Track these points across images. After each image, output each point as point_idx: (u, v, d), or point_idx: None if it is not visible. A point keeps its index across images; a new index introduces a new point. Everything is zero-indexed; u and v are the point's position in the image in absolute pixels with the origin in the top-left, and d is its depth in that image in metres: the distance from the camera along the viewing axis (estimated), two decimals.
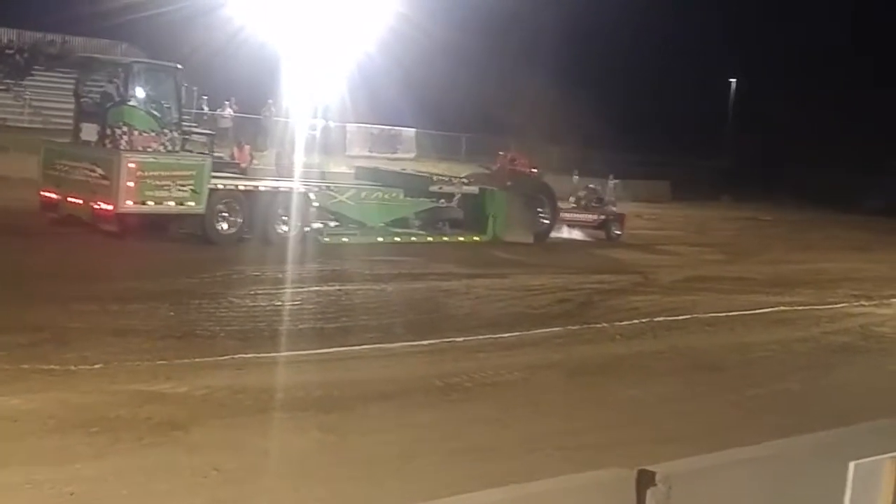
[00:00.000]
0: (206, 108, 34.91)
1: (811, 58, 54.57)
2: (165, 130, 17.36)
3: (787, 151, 51.44)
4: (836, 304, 17.42)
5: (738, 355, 12.59)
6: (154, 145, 17.14)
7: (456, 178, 22.83)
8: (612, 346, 12.52)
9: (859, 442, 4.40)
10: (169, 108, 17.71)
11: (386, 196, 20.64)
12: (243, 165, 21.43)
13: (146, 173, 16.58)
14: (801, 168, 48.52)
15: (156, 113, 17.44)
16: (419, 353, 11.11)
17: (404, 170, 24.64)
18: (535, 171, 24.98)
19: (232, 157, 22.35)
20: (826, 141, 49.92)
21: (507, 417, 8.90)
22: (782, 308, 16.44)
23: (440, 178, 22.22)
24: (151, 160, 16.82)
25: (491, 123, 41.82)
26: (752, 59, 56.62)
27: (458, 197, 21.77)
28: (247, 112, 36.54)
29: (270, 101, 35.39)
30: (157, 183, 16.69)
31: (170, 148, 17.37)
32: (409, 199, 20.99)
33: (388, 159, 36.06)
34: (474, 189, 22.04)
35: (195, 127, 21.73)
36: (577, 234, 25.02)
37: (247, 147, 23.49)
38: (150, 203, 16.69)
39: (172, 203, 16.94)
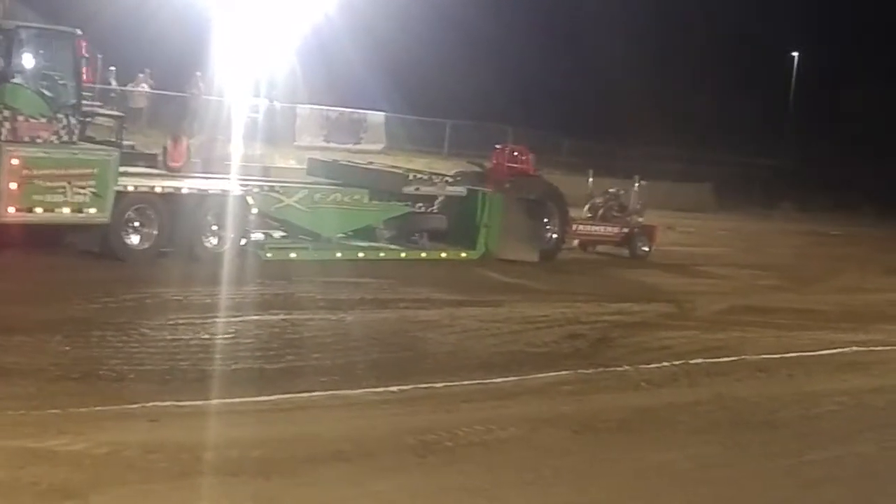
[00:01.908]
0: (114, 83, 34.92)
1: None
2: (60, 115, 17.29)
3: (865, 148, 51.71)
4: None
5: (797, 409, 12.63)
6: (45, 134, 17.06)
7: (438, 176, 22.85)
8: (636, 395, 12.56)
9: None
10: (65, 85, 17.65)
11: (347, 199, 20.63)
12: (175, 165, 21.10)
13: (34, 172, 16.53)
14: (882, 170, 48.74)
15: (47, 92, 17.37)
16: (386, 402, 11.12)
17: (371, 165, 24.66)
18: (537, 171, 25.04)
19: (165, 153, 22.18)
20: None
21: (499, 487, 8.92)
22: (855, 349, 16.53)
23: (418, 176, 22.21)
24: (41, 154, 16.77)
25: (483, 108, 42.01)
26: (821, 26, 56.95)
27: (440, 200, 21.81)
28: (166, 88, 36.53)
29: (198, 73, 35.45)
30: (49, 184, 16.65)
31: (65, 138, 17.31)
32: (376, 202, 21.01)
33: (350, 151, 36.15)
34: (461, 191, 22.09)
35: (100, 107, 21.67)
36: (593, 251, 25.13)
37: (185, 141, 22.84)
38: (39, 210, 16.64)
39: (68, 210, 16.90)
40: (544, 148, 34.70)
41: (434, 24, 42.43)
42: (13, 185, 16.33)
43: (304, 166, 24.64)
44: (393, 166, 24.95)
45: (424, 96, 42.02)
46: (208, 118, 29.30)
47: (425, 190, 21.58)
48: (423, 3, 40.92)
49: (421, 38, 41.23)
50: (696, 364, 14.29)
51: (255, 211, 18.91)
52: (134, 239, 17.59)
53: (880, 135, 51.37)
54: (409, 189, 21.27)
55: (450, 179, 22.58)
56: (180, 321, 13.55)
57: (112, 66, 33.60)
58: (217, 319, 13.89)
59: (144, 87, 35.99)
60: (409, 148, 40.56)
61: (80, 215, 17.09)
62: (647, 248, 25.36)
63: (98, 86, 20.36)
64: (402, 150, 39.74)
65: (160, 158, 20.90)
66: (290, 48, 33.64)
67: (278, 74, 34.28)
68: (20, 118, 16.82)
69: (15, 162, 16.39)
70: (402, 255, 20.82)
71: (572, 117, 47.26)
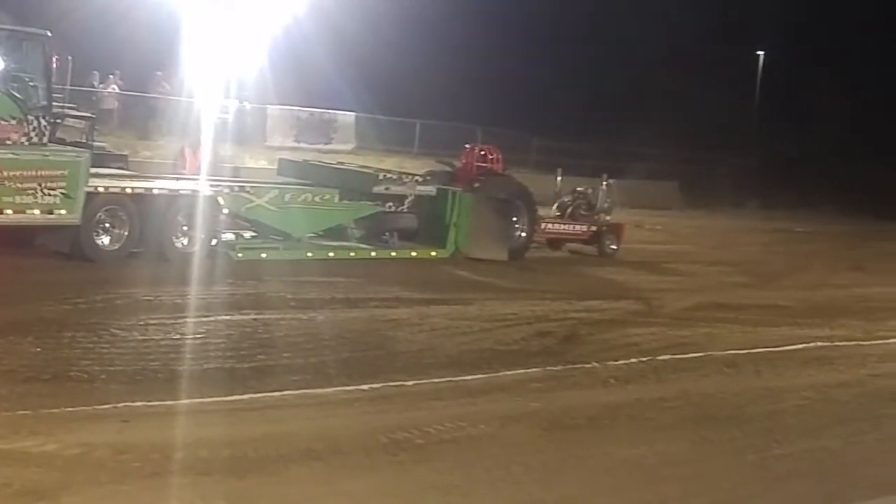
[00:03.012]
0: (96, 85, 34.91)
1: (857, 25, 55.36)
2: (30, 116, 17.21)
3: (829, 146, 52.01)
4: (887, 338, 17.68)
5: (764, 404, 12.71)
6: (15, 136, 16.97)
7: (408, 175, 22.82)
8: (604, 392, 12.59)
9: None
10: (35, 87, 17.57)
11: (317, 199, 20.60)
12: (192, 174, 20.93)
13: (4, 173, 16.42)
14: (846, 167, 49.05)
15: (17, 94, 17.29)
16: (357, 400, 11.11)
17: (341, 164, 24.64)
18: (506, 170, 25.06)
19: (182, 161, 22.04)
20: (880, 134, 50.60)
21: (470, 484, 8.94)
22: (820, 344, 16.64)
23: (388, 175, 22.18)
24: (11, 156, 16.65)
25: (452, 108, 42.00)
26: (785, 24, 57.22)
27: (409, 200, 21.79)
28: (136, 89, 36.42)
29: (160, 73, 35.32)
30: (19, 186, 16.54)
31: (36, 139, 17.22)
32: (346, 202, 20.99)
33: (320, 151, 36.11)
34: (431, 190, 22.08)
35: (72, 109, 21.57)
36: (563, 250, 25.18)
37: (201, 151, 23.04)
38: (9, 212, 16.53)
39: (38, 211, 16.81)
40: (513, 147, 34.73)
41: (402, 24, 42.44)
42: None
43: (275, 166, 24.59)
44: (363, 166, 24.91)
45: (394, 96, 42.00)
46: (176, 119, 29.19)
47: (395, 189, 21.54)
48: (391, 3, 40.89)
49: (389, 38, 41.20)
50: (664, 360, 14.36)
51: (225, 211, 18.87)
52: (104, 240, 17.50)
53: (845, 134, 51.70)
54: (380, 189, 21.23)
55: (420, 179, 22.53)
56: (151, 322, 13.50)
57: (94, 69, 33.54)
58: (188, 319, 13.84)
59: (115, 89, 35.86)
60: (379, 148, 40.57)
61: (51, 216, 16.99)
62: (614, 247, 25.42)
63: (67, 87, 20.26)
64: (373, 149, 39.75)
65: (175, 164, 20.79)
66: (259, 49, 33.55)
67: (248, 75, 34.17)
68: None
69: None
70: (373, 254, 20.81)
71: (541, 117, 47.33)
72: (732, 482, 9.73)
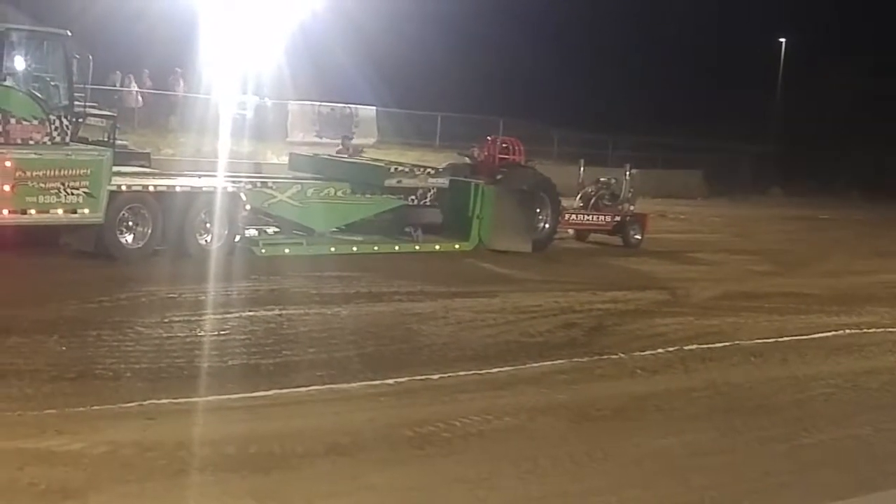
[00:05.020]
0: (118, 85, 35.02)
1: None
2: (52, 116, 17.25)
3: (852, 133, 51.75)
4: None
5: (792, 393, 12.64)
6: (37, 136, 17.00)
7: (420, 168, 22.70)
8: (631, 383, 12.55)
9: None
10: (56, 86, 17.60)
11: (339, 193, 20.60)
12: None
13: (27, 174, 16.47)
14: (869, 154, 48.81)
15: (39, 94, 17.33)
16: (383, 394, 11.10)
17: (355, 157, 24.59)
18: (529, 162, 25.00)
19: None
20: None
21: (497, 477, 8.90)
22: (848, 331, 16.58)
23: (399, 168, 22.09)
24: (34, 156, 16.70)
25: (473, 101, 41.95)
26: (807, 10, 56.90)
27: (432, 193, 21.75)
28: (155, 87, 36.52)
29: (179, 70, 35.36)
30: (42, 185, 16.58)
31: (58, 139, 17.26)
32: (369, 196, 20.98)
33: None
34: (443, 182, 21.98)
35: (94, 108, 21.61)
36: (585, 240, 25.12)
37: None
38: (33, 212, 16.57)
39: (62, 211, 16.85)
40: (535, 138, 34.68)
41: (422, 17, 42.40)
42: (7, 188, 16.26)
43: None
44: (375, 159, 24.88)
45: (415, 90, 42.02)
46: (195, 115, 29.24)
47: (407, 182, 21.46)
48: None
49: (409, 32, 41.19)
50: (691, 350, 14.30)
51: (248, 207, 18.88)
52: (128, 238, 17.53)
53: (867, 119, 51.40)
54: (392, 182, 21.17)
55: (432, 171, 22.47)
56: (175, 319, 13.50)
57: (115, 68, 33.64)
58: (211, 316, 13.86)
59: (134, 87, 35.96)
60: (400, 141, 40.54)
61: (74, 216, 17.03)
62: (639, 237, 25.38)
63: (89, 86, 20.27)
64: (394, 143, 39.73)
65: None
66: (278, 45, 33.57)
67: (267, 71, 34.21)
68: (12, 120, 16.75)
69: (8, 164, 16.32)
70: (396, 248, 20.79)
71: (563, 108, 47.23)
72: (761, 472, 9.66)
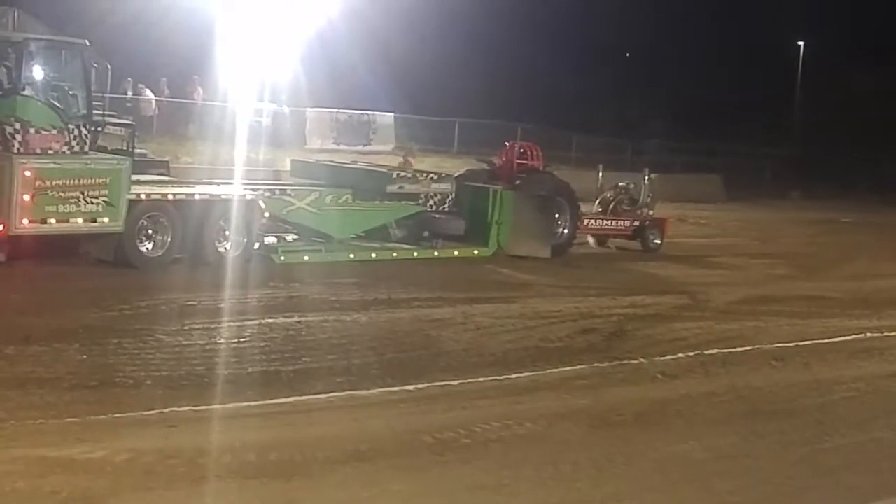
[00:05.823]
0: (130, 93, 35.11)
1: None
2: (71, 125, 17.29)
3: (873, 135, 51.59)
4: None
5: (814, 397, 12.62)
6: (56, 146, 17.02)
7: (423, 173, 22.66)
8: (652, 387, 12.55)
9: None
10: (75, 96, 17.65)
11: (358, 200, 20.63)
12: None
13: (47, 183, 16.51)
14: (889, 156, 48.67)
15: (58, 104, 17.36)
16: (403, 401, 11.11)
17: (355, 164, 24.58)
18: (547, 167, 24.98)
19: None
20: None
21: (518, 483, 8.91)
22: (869, 335, 16.52)
23: (401, 174, 22.06)
24: (53, 166, 16.74)
25: (491, 107, 41.95)
26: (825, 14, 56.82)
27: (450, 198, 21.77)
28: (173, 95, 36.63)
29: (196, 77, 35.41)
30: (62, 195, 16.61)
31: (77, 148, 17.30)
32: (388, 203, 21.02)
33: (360, 153, 36.16)
34: (447, 187, 21.96)
35: (112, 117, 21.67)
36: (604, 245, 25.09)
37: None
38: (53, 221, 16.60)
39: (81, 220, 16.89)
40: (553, 144, 34.66)
41: (438, 23, 42.47)
42: (27, 197, 16.29)
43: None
44: (377, 165, 24.89)
45: (432, 96, 42.02)
46: (213, 123, 29.29)
47: (409, 188, 21.41)
48: (426, 3, 40.92)
49: (425, 38, 41.26)
50: (711, 355, 14.28)
51: (266, 215, 18.91)
52: (148, 246, 17.56)
53: (888, 121, 51.21)
54: (393, 187, 21.12)
55: (434, 177, 22.46)
56: (195, 326, 13.55)
57: (129, 76, 33.72)
58: (232, 323, 13.90)
59: (149, 94, 36.07)
60: (418, 147, 40.52)
61: (94, 224, 17.08)
62: (658, 241, 25.29)
63: (107, 95, 20.35)
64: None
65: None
66: (295, 52, 33.64)
67: (284, 78, 34.28)
68: (31, 130, 16.77)
69: (28, 174, 16.35)
70: (415, 254, 20.79)
71: (581, 113, 47.23)
72: (783, 476, 9.65)
